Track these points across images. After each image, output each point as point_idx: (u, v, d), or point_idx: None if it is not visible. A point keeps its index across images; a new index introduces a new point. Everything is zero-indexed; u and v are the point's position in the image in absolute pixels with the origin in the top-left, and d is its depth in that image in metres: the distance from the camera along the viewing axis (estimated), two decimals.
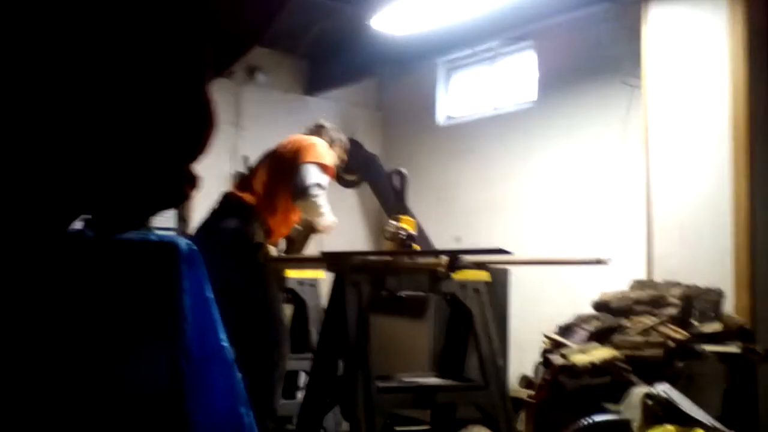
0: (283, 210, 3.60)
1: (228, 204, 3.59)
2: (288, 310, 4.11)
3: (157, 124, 1.28)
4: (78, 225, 2.05)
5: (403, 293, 3.13)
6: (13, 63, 1.17)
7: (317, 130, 3.87)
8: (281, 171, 3.58)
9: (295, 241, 3.79)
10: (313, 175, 3.50)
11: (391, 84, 6.94)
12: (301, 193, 3.49)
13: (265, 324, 3.42)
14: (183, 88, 1.33)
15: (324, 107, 4.30)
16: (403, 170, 3.43)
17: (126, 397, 1.94)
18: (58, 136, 1.34)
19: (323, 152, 3.60)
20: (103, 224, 1.72)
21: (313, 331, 4.09)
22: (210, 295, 2.16)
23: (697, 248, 3.75)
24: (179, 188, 1.42)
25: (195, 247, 2.15)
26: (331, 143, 3.81)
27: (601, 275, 3.86)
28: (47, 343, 1.87)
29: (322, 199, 3.52)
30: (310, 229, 3.78)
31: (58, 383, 1.87)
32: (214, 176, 3.80)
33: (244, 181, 3.71)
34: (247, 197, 3.54)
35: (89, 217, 1.72)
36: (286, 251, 3.75)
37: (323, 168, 3.54)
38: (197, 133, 1.32)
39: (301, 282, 4.28)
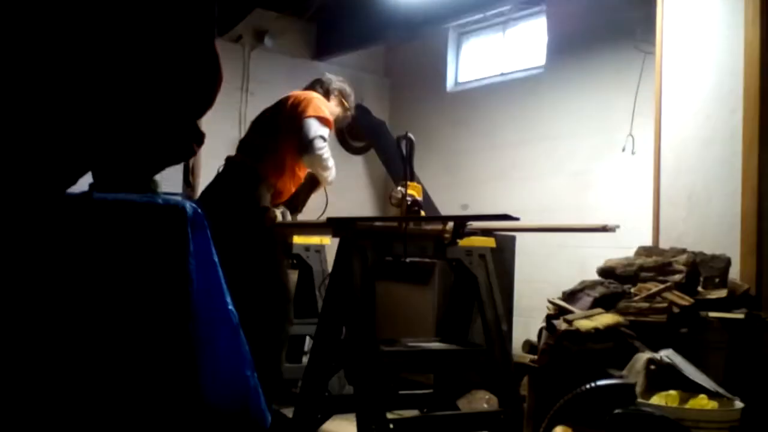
0: (289, 168, 3.61)
1: (233, 168, 3.59)
2: (293, 275, 4.13)
3: (167, 78, 1.27)
4: (85, 186, 2.06)
5: (408, 259, 3.14)
6: (20, 13, 1.16)
7: (312, 85, 3.88)
8: (284, 130, 3.59)
9: (299, 195, 3.79)
10: (313, 129, 3.53)
11: (400, 50, 6.88)
12: (305, 147, 3.51)
13: (271, 289, 3.45)
14: (191, 42, 1.33)
15: (331, 72, 4.28)
16: (411, 136, 3.42)
17: (133, 359, 1.96)
18: (68, 91, 1.33)
19: (320, 105, 3.62)
20: (111, 179, 1.72)
21: (318, 297, 4.12)
22: (216, 258, 2.17)
23: (705, 215, 3.73)
24: (186, 143, 1.42)
25: (200, 211, 2.16)
26: (327, 94, 3.81)
27: (607, 242, 3.86)
28: (54, 302, 1.88)
29: (326, 152, 3.54)
30: (311, 184, 3.77)
31: (65, 343, 1.89)
32: (221, 141, 3.79)
33: (246, 144, 3.70)
34: (252, 161, 3.55)
35: (96, 176, 1.72)
36: (290, 206, 3.74)
37: (322, 121, 3.56)
38: (205, 87, 1.32)
39: (306, 248, 4.30)
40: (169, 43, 1.34)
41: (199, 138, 1.60)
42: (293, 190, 3.69)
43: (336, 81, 3.92)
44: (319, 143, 3.51)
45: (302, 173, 3.71)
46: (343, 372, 3.60)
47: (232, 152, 3.72)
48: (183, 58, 1.37)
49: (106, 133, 1.45)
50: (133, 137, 1.47)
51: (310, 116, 3.54)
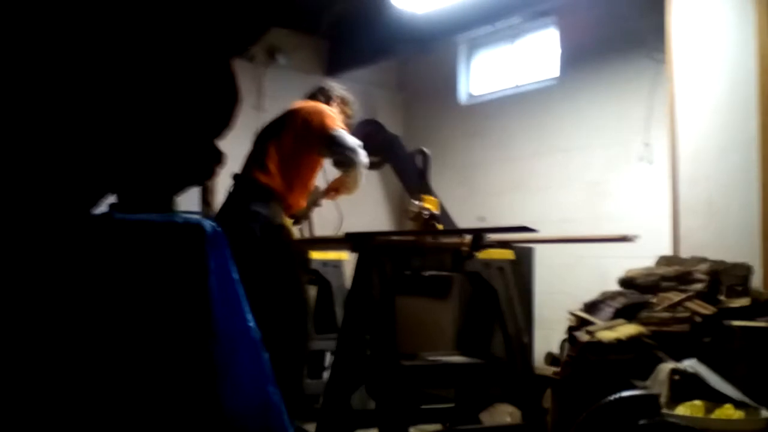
0: (301, 184, 3.59)
1: (244, 187, 3.55)
2: (312, 291, 4.14)
3: (185, 99, 1.28)
4: (104, 207, 2.07)
5: (427, 273, 3.14)
6: (44, 35, 1.17)
7: (314, 94, 3.87)
8: (296, 145, 3.56)
9: (304, 208, 3.77)
10: (349, 140, 3.53)
11: (412, 64, 6.90)
12: (351, 161, 3.52)
13: (291, 306, 3.44)
14: (209, 63, 1.34)
15: (344, 87, 4.33)
16: (426, 150, 3.43)
17: (154, 378, 1.96)
18: (87, 114, 1.35)
19: (333, 115, 3.62)
20: (131, 202, 1.74)
21: (337, 312, 4.12)
22: (235, 275, 2.18)
23: (724, 224, 3.71)
24: (206, 164, 1.43)
25: (219, 229, 2.18)
26: (329, 101, 3.81)
27: (627, 252, 3.83)
28: (75, 323, 1.89)
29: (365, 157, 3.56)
30: (316, 197, 3.77)
31: (87, 362, 1.90)
32: (236, 159, 3.79)
33: (254, 160, 3.63)
34: (263, 178, 3.50)
35: (117, 197, 1.73)
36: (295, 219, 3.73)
37: (345, 128, 3.58)
38: (224, 107, 1.33)
39: (325, 263, 4.31)
40: (188, 64, 1.36)
41: (218, 158, 1.61)
42: (303, 204, 3.67)
43: (337, 88, 3.91)
44: (362, 152, 3.54)
45: (311, 186, 3.70)
46: (364, 387, 3.58)
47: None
48: (201, 78, 1.38)
49: (127, 154, 1.46)
50: (154, 158, 1.48)
51: (334, 128, 3.53)
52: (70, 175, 1.51)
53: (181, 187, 1.69)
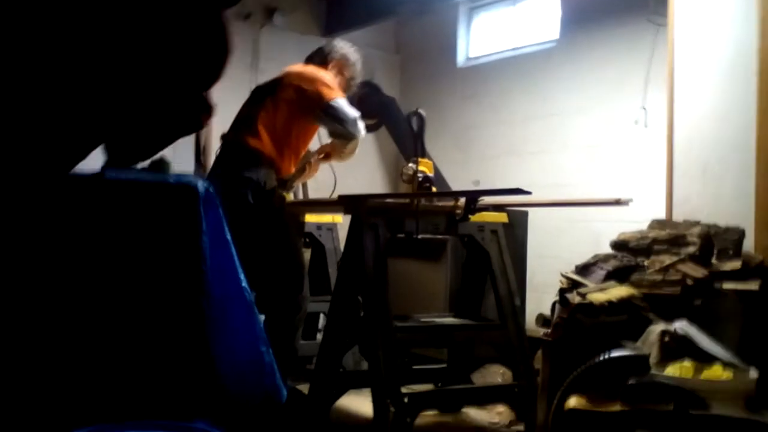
0: (292, 150, 3.54)
1: (234, 151, 3.50)
2: (306, 254, 4.14)
3: (174, 49, 1.27)
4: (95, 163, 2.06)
5: (420, 236, 3.14)
6: None
7: (311, 56, 3.79)
8: (290, 110, 3.50)
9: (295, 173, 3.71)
10: (350, 111, 3.48)
11: (410, 25, 6.83)
12: (349, 133, 3.49)
13: (285, 268, 3.45)
14: (199, 13, 1.32)
15: None
16: (422, 112, 3.40)
17: (147, 336, 1.98)
18: (75, 64, 1.34)
19: (329, 83, 3.54)
20: (121, 152, 1.73)
21: (331, 274, 4.14)
22: (228, 236, 2.18)
23: (719, 188, 3.70)
24: (195, 115, 1.42)
25: (212, 189, 2.17)
26: (325, 64, 3.71)
27: (621, 217, 3.84)
28: (67, 283, 1.90)
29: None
30: (306, 161, 3.70)
31: (80, 322, 1.91)
32: (231, 119, 3.76)
33: (244, 123, 3.55)
34: (253, 142, 3.44)
35: (105, 149, 1.72)
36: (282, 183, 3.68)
37: (343, 96, 3.52)
38: (213, 58, 1.32)
39: (318, 226, 4.31)
40: (177, 14, 1.34)
41: (207, 109, 1.60)
42: (292, 170, 3.61)
43: (338, 49, 3.78)
44: (360, 124, 3.49)
45: (303, 151, 3.64)
46: (357, 348, 3.62)
47: None
48: (191, 29, 1.37)
49: (115, 105, 1.45)
50: (142, 109, 1.47)
51: (333, 98, 3.46)
52: (58, 127, 1.50)
53: (169, 137, 1.68)
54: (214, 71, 1.45)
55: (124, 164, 1.99)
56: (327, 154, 3.72)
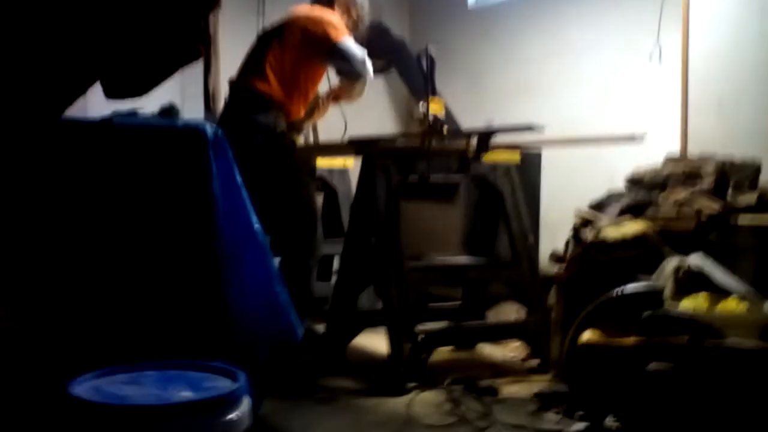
0: (301, 93, 3.50)
1: (243, 96, 3.47)
2: (319, 198, 4.15)
3: None
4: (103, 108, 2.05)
5: (432, 179, 3.12)
6: None
7: None
8: (297, 53, 3.44)
9: (305, 117, 3.68)
10: (358, 51, 3.43)
11: None
12: (361, 72, 3.44)
13: (298, 211, 3.45)
14: None
15: None
16: (432, 50, 3.35)
17: (163, 280, 1.99)
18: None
19: (337, 25, 3.48)
20: (119, 86, 1.72)
21: (344, 218, 4.15)
22: (239, 180, 2.18)
23: (734, 121, 3.65)
24: (193, 44, 1.40)
25: (221, 133, 2.16)
26: (331, 4, 3.64)
27: (635, 153, 3.79)
28: (81, 228, 1.91)
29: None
30: (315, 104, 3.67)
31: (95, 267, 1.93)
32: (238, 64, 3.71)
33: (252, 67, 3.51)
34: (261, 86, 3.41)
35: (102, 83, 1.71)
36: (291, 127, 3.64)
37: (351, 37, 3.47)
38: None
39: (330, 170, 4.30)
40: None
41: (205, 39, 1.58)
42: (301, 113, 3.58)
43: None
44: (368, 63, 3.45)
45: (312, 95, 3.61)
46: (372, 288, 3.64)
47: None
48: None
49: (109, 35, 1.43)
50: (137, 39, 1.45)
51: (340, 39, 3.41)
52: (53, 62, 1.49)
53: (168, 69, 1.66)
54: None
55: (124, 97, 1.96)
56: (336, 95, 3.68)
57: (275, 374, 2.33)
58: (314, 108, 3.65)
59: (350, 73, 3.48)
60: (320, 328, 3.43)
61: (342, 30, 3.46)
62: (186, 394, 1.52)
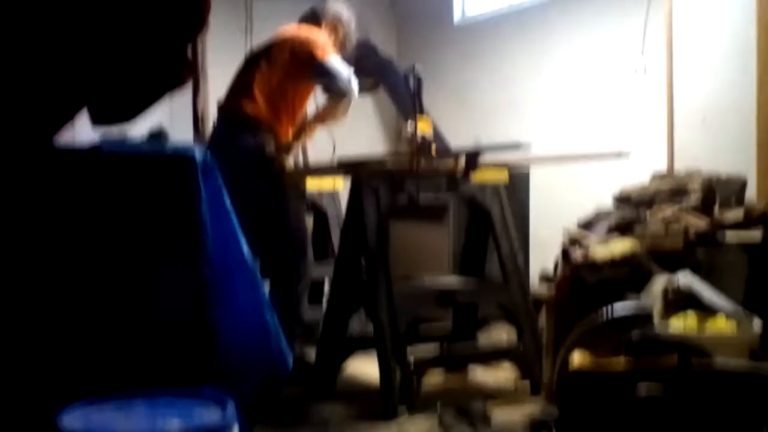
0: (289, 114, 3.52)
1: (231, 118, 3.48)
2: (309, 221, 4.14)
3: (153, 2, 1.24)
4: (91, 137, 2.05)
5: (422, 198, 3.13)
6: None
7: (305, 17, 3.74)
8: (285, 74, 3.46)
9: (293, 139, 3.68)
10: (343, 69, 3.44)
11: None
12: (346, 89, 3.45)
13: (288, 234, 3.44)
14: None
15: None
16: (419, 69, 3.36)
17: (152, 308, 1.98)
18: (55, 21, 1.31)
19: (324, 43, 3.49)
20: (105, 113, 1.71)
21: (334, 240, 4.14)
22: (228, 205, 2.17)
23: (719, 136, 3.68)
24: (177, 70, 1.39)
25: (210, 158, 2.16)
26: (318, 23, 3.67)
27: (622, 170, 3.82)
28: (68, 257, 1.90)
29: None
30: (303, 126, 3.66)
31: (83, 295, 1.92)
32: (226, 85, 3.72)
33: (240, 89, 3.52)
34: (250, 108, 3.42)
35: (88, 110, 1.69)
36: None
37: (337, 56, 3.48)
38: (193, 9, 1.28)
39: (320, 193, 4.30)
40: None
41: (189, 65, 1.58)
42: (290, 134, 3.58)
43: (331, 8, 3.74)
44: (354, 81, 3.46)
45: (300, 116, 3.61)
46: (363, 311, 3.63)
47: None
48: None
49: (94, 63, 1.43)
50: (123, 66, 1.44)
51: (326, 57, 3.43)
52: (38, 90, 1.48)
53: (153, 95, 1.66)
54: (194, 22, 1.42)
55: (109, 123, 1.96)
56: (321, 117, 3.67)
57: (265, 401, 2.31)
58: (302, 130, 3.65)
59: (336, 91, 3.48)
60: (311, 352, 3.41)
61: (328, 49, 3.48)
62: (175, 424, 1.51)
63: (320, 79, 3.48)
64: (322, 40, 3.50)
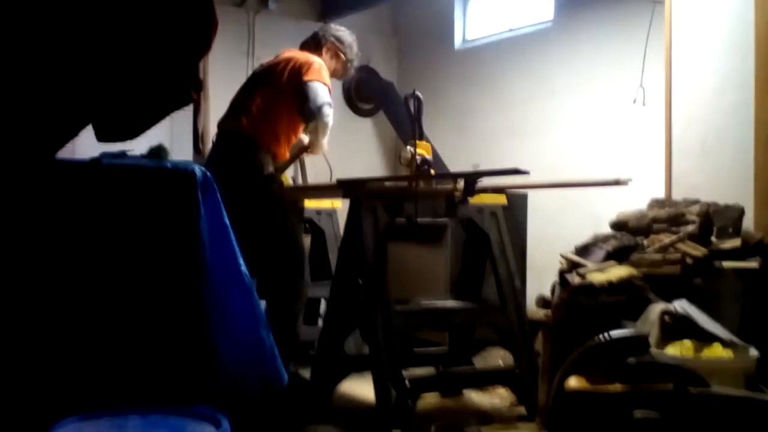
0: (285, 134, 3.55)
1: (231, 137, 3.52)
2: (306, 240, 4.14)
3: (162, 19, 1.25)
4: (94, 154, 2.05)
5: (420, 220, 3.13)
6: None
7: (307, 42, 3.78)
8: (282, 95, 3.50)
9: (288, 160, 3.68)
10: (321, 95, 3.46)
11: (406, 8, 6.78)
12: (312, 113, 3.45)
13: (286, 253, 3.45)
14: None
15: None
16: (418, 94, 3.38)
17: (148, 324, 1.98)
18: (65, 41, 1.32)
19: (319, 70, 3.52)
20: (111, 129, 1.72)
21: (331, 260, 4.14)
22: (227, 222, 2.18)
23: (718, 165, 3.69)
24: (184, 89, 1.40)
25: (209, 174, 2.17)
26: (319, 48, 3.71)
27: (620, 196, 3.82)
28: (66, 270, 1.90)
29: (331, 119, 3.49)
30: (299, 150, 3.67)
31: (80, 309, 1.91)
32: (227, 105, 3.74)
33: (240, 110, 3.56)
34: (249, 128, 3.46)
35: (93, 126, 1.70)
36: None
37: (326, 86, 3.50)
38: (200, 30, 1.30)
39: (318, 212, 4.31)
40: None
41: (196, 84, 1.59)
42: (287, 155, 3.60)
43: (332, 32, 3.78)
44: (327, 110, 3.46)
45: (295, 138, 3.63)
46: (359, 332, 3.62)
47: None
48: (176, 2, 1.35)
49: (101, 79, 1.43)
50: (130, 83, 1.45)
51: (312, 80, 3.46)
52: (46, 105, 1.49)
53: (159, 113, 1.67)
54: (200, 44, 1.43)
55: (115, 140, 1.97)
56: (305, 148, 3.67)
57: (260, 420, 2.30)
58: (296, 154, 3.67)
59: (305, 113, 3.49)
60: (306, 372, 3.39)
61: (319, 75, 3.50)
62: None
63: (297, 99, 3.49)
64: (317, 66, 3.53)
